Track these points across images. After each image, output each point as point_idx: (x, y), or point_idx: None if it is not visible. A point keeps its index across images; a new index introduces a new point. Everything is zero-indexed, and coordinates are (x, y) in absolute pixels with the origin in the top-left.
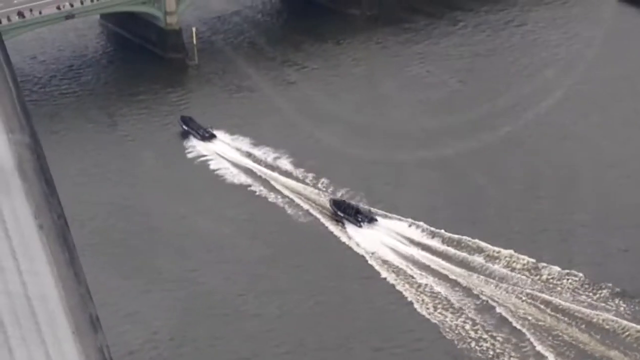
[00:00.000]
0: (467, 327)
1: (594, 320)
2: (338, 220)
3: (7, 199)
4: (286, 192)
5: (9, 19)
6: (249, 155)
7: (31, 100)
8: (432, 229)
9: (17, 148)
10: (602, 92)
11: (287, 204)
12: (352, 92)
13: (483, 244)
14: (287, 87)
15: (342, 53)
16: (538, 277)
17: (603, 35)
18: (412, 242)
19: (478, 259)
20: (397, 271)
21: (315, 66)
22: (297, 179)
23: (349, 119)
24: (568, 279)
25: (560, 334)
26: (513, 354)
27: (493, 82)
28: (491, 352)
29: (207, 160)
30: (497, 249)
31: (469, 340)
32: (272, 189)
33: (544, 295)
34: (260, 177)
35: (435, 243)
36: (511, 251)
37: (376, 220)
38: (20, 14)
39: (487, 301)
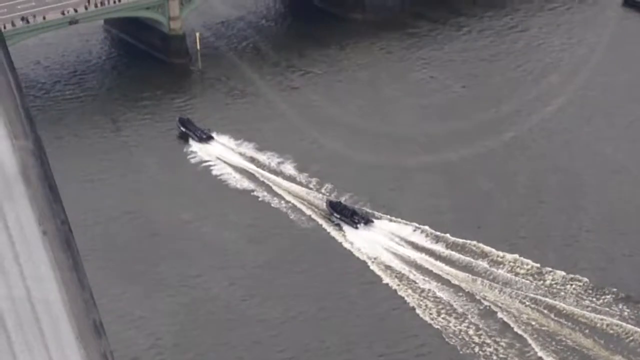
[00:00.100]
0: (471, 332)
1: (598, 325)
2: (335, 222)
3: (11, 205)
4: (289, 197)
5: (13, 24)
6: (252, 160)
7: (35, 105)
8: (433, 232)
9: (21, 154)
10: (606, 97)
11: (290, 209)
12: (356, 97)
13: (487, 248)
14: (290, 92)
15: (346, 58)
16: (542, 281)
17: (607, 41)
18: (408, 243)
19: (482, 263)
20: (393, 272)
21: (319, 71)
22: (300, 184)
23: (353, 124)
24: (572, 284)
25: (564, 338)
26: (517, 359)
27: (497, 87)
28: (495, 358)
29: (210, 166)
30: (501, 253)
31: (472, 345)
32: (275, 193)
33: (548, 300)
34: (262, 181)
35: (433, 246)
36: (516, 256)
37: (372, 221)
38: (24, 19)
39: (490, 306)
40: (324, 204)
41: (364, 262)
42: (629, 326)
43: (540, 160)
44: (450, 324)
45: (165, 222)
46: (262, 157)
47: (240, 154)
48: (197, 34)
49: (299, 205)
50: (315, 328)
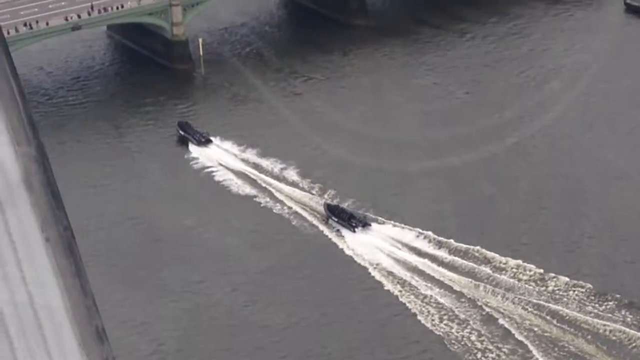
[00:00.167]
0: (473, 337)
1: (601, 331)
2: (333, 226)
3: (14, 212)
4: (291, 203)
5: (16, 30)
6: (255, 166)
7: (38, 111)
8: (435, 236)
9: (24, 161)
10: (609, 103)
11: (292, 214)
12: (359, 103)
13: (490, 254)
14: (293, 97)
15: (349, 64)
16: (545, 287)
17: (610, 46)
18: (405, 247)
19: (485, 269)
20: (390, 276)
21: (322, 77)
22: (302, 189)
23: (356, 130)
24: (575, 290)
25: (567, 344)
26: None
27: (500, 93)
28: None
29: (212, 171)
30: (504, 259)
31: (475, 351)
32: (277, 199)
33: (551, 306)
34: (265, 187)
35: (431, 249)
36: (519, 261)
37: (370, 225)
38: (27, 24)
39: (492, 312)
40: (322, 207)
41: (363, 267)
42: (632, 332)
43: (542, 166)
44: (453, 330)
45: (167, 227)
46: (265, 163)
47: (243, 160)
48: (200, 40)
49: (300, 210)
50: (317, 334)
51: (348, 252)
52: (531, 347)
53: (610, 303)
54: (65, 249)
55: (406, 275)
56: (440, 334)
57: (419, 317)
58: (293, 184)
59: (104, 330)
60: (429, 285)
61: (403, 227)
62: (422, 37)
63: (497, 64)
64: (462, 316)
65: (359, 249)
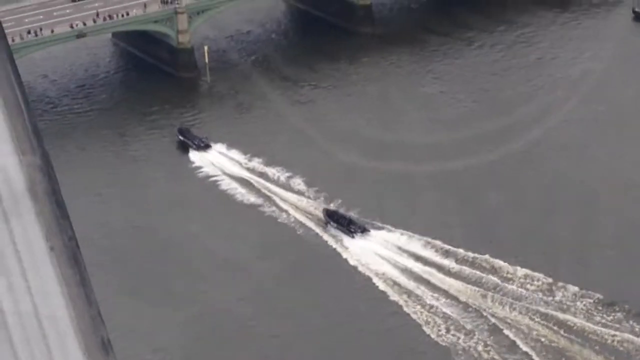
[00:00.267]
0: (480, 347)
1: (609, 341)
2: (332, 232)
3: (19, 221)
4: (296, 212)
5: (21, 37)
6: (261, 174)
7: (42, 119)
8: (440, 244)
9: (29, 170)
10: (617, 112)
11: (297, 224)
12: (366, 111)
13: (498, 262)
14: (300, 106)
15: (355, 72)
16: (554, 297)
17: (619, 55)
18: (404, 252)
19: (493, 278)
20: (388, 279)
21: (328, 85)
22: (308, 197)
23: (362, 138)
24: (584, 300)
25: (575, 355)
26: None
27: (508, 102)
28: None
29: (218, 181)
30: (512, 268)
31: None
32: (281, 207)
33: (560, 315)
34: (269, 196)
35: (432, 255)
36: (527, 270)
37: (368, 231)
38: (31, 32)
39: (499, 322)
40: (321, 212)
41: (360, 271)
42: None
43: (551, 175)
44: (460, 341)
45: (171, 236)
46: (271, 171)
47: (248, 168)
48: (206, 48)
49: (302, 218)
50: (322, 343)
51: (345, 256)
52: (535, 358)
53: (619, 313)
54: (69, 258)
55: (411, 284)
56: (446, 344)
57: (424, 328)
58: (298, 192)
59: (109, 341)
60: (435, 295)
61: (402, 234)
62: (429, 45)
63: (504, 72)
64: (468, 326)
65: (357, 253)
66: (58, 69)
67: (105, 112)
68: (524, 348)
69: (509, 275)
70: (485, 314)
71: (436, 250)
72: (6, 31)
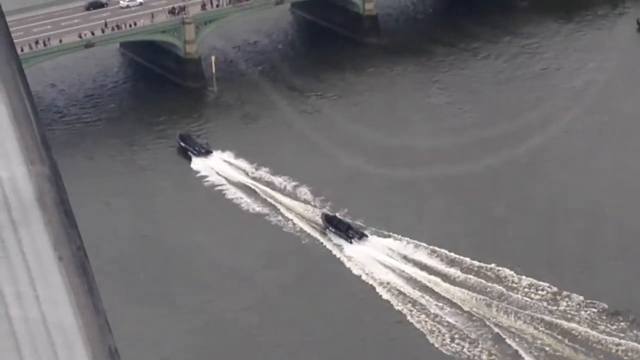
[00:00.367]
0: (484, 357)
1: (613, 350)
2: (330, 237)
3: (28, 231)
4: (302, 223)
5: (29, 47)
6: (268, 183)
7: (51, 128)
8: (448, 253)
9: (37, 180)
10: (622, 123)
11: (303, 233)
12: (372, 121)
13: (503, 272)
14: (306, 115)
15: (361, 82)
16: (558, 306)
17: (623, 66)
18: (403, 258)
19: (498, 287)
20: (386, 284)
21: (335, 95)
22: (315, 206)
23: (369, 148)
24: (588, 310)
25: None
26: None
27: (513, 112)
28: None
29: (223, 190)
30: (517, 277)
31: None
32: (288, 217)
33: (565, 324)
34: (274, 205)
35: (432, 261)
36: (532, 279)
37: (367, 236)
38: (39, 42)
39: (503, 331)
40: (320, 217)
41: (358, 275)
42: None
43: (555, 184)
44: (464, 350)
45: (178, 245)
46: (277, 180)
47: (255, 178)
48: (213, 58)
49: (309, 229)
50: (327, 352)
51: (343, 260)
52: None
53: (624, 323)
54: (78, 268)
55: (416, 292)
56: (451, 353)
57: (427, 337)
58: (305, 201)
59: (116, 350)
60: (440, 304)
61: (400, 240)
62: (435, 56)
63: (510, 82)
64: (473, 335)
65: (355, 257)
66: (66, 79)
67: (113, 121)
68: (528, 357)
69: (514, 284)
70: (489, 323)
71: (441, 259)
72: (15, 41)
